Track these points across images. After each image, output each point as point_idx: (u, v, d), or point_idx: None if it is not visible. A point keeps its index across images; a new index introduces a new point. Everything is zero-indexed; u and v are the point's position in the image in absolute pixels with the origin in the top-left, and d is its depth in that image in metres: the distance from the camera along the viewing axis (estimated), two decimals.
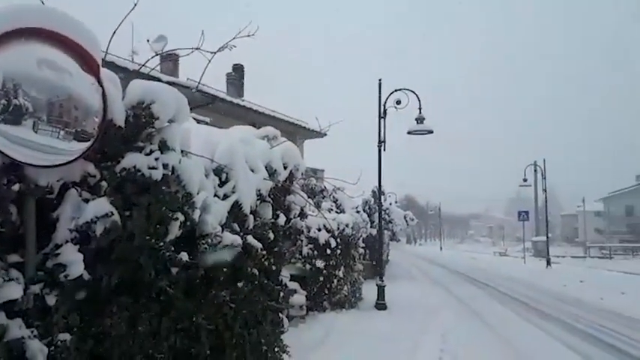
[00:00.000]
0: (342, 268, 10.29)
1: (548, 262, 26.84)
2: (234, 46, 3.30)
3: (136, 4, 2.83)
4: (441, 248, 59.16)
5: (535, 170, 32.49)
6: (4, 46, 2.13)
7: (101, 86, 2.45)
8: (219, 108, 15.70)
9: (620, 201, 74.08)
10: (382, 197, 15.00)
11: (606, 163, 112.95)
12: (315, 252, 9.69)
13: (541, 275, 21.70)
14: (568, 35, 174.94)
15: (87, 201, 2.45)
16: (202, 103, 13.40)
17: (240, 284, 3.56)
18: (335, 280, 10.03)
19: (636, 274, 21.76)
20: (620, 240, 61.00)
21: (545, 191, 29.07)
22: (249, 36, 3.42)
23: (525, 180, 29.21)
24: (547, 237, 30.21)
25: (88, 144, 2.41)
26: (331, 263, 9.93)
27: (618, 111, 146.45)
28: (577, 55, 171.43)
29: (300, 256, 9.55)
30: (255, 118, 17.84)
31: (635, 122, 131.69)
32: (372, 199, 19.07)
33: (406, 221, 29.17)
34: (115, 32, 2.96)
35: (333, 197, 13.22)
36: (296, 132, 21.75)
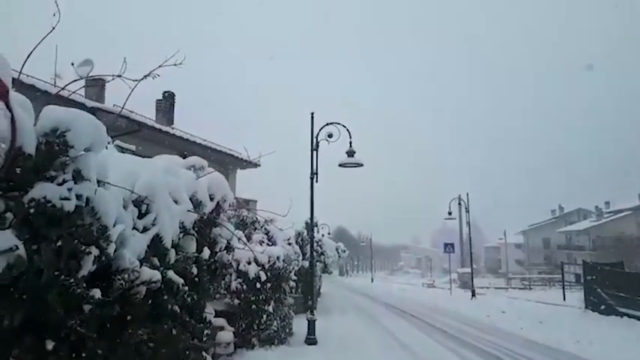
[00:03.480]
0: (273, 302, 10.11)
1: (473, 293, 27.84)
2: (158, 75, 3.23)
3: (53, 28, 2.71)
4: (372, 280, 59.78)
5: (459, 204, 33.94)
6: None
7: (10, 111, 2.30)
8: (147, 136, 15.23)
9: (537, 234, 78.97)
10: (315, 229, 15.01)
11: (526, 198, 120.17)
12: (245, 286, 9.47)
13: (466, 306, 22.39)
14: (493, 77, 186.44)
15: None
16: (128, 130, 12.95)
17: (159, 322, 3.39)
18: (264, 316, 9.82)
19: (552, 304, 23.02)
20: (539, 271, 64.68)
21: (469, 224, 30.37)
22: (175, 65, 3.37)
23: (450, 213, 30.40)
24: (472, 269, 31.40)
25: None
26: (261, 298, 9.73)
27: (536, 150, 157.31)
28: (500, 97, 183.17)
29: (228, 292, 9.30)
30: (185, 147, 17.43)
31: (550, 161, 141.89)
32: (305, 231, 19.06)
33: (338, 253, 29.34)
34: (29, 55, 2.81)
35: (265, 229, 13.07)
36: (228, 162, 21.47)
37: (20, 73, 2.95)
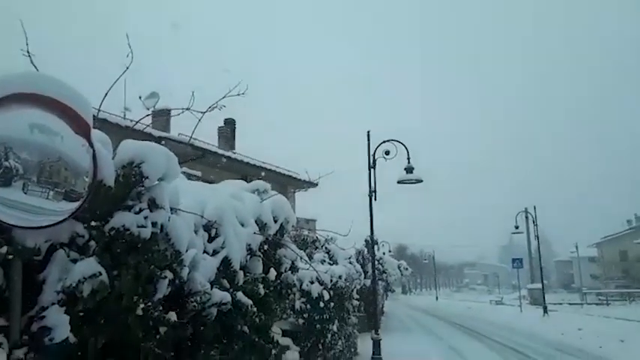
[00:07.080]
0: (336, 321, 10.08)
1: (545, 310, 26.48)
2: (224, 106, 3.39)
3: (127, 68, 2.93)
4: (436, 298, 58.22)
5: (526, 217, 32.60)
6: None
7: (92, 147, 2.49)
8: (210, 161, 15.83)
9: (613, 246, 74.12)
10: (375, 247, 14.88)
11: (597, 208, 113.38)
12: (308, 306, 9.51)
13: (539, 324, 21.36)
14: (559, 84, 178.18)
15: (75, 261, 2.44)
16: (193, 156, 13.50)
17: (230, 343, 3.48)
18: (329, 335, 9.79)
19: (634, 320, 21.50)
20: (616, 285, 60.64)
21: (538, 238, 29.09)
22: (238, 95, 3.52)
23: (517, 227, 29.24)
24: (542, 284, 29.92)
25: (77, 204, 2.43)
26: (325, 317, 9.73)
27: (606, 156, 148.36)
28: (565, 105, 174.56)
29: (293, 311, 9.37)
30: (247, 170, 17.99)
31: (624, 166, 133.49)
32: (366, 249, 18.94)
33: (400, 271, 28.90)
34: (106, 94, 3.03)
35: (326, 248, 13.11)
36: (287, 183, 21.86)
37: (99, 110, 3.19)
